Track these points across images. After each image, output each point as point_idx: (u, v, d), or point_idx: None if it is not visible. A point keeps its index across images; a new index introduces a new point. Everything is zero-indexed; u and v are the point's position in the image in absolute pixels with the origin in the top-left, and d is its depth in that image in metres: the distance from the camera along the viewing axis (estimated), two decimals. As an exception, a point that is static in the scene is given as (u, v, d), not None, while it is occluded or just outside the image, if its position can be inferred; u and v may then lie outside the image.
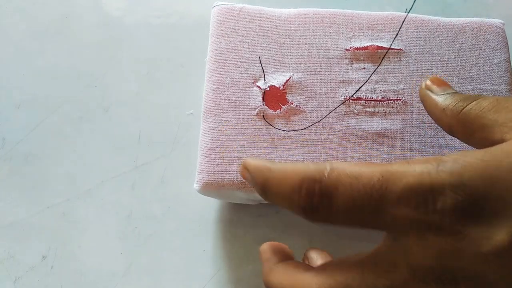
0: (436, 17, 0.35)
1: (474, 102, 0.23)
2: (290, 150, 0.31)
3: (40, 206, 0.36)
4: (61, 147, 0.38)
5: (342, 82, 0.33)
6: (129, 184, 0.36)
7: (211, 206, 0.36)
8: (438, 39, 0.34)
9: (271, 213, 0.35)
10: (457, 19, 0.35)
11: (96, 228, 0.35)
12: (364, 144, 0.32)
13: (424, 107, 0.28)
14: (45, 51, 0.41)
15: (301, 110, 0.32)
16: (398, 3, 0.42)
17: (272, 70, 0.33)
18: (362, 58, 0.34)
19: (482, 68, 0.34)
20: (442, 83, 0.27)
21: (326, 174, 0.18)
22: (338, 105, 0.32)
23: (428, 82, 0.28)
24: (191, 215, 0.36)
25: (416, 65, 0.33)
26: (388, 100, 0.33)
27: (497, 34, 0.35)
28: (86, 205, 0.36)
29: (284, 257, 0.23)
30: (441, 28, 0.34)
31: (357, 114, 0.32)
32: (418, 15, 0.35)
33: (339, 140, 0.32)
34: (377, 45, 0.34)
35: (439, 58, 0.34)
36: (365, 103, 0.32)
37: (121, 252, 0.35)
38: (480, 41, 0.34)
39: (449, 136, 0.32)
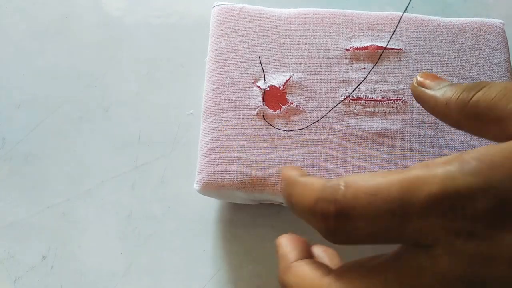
0: (436, 17, 0.35)
1: (480, 92, 0.21)
2: (290, 150, 0.31)
3: (40, 206, 0.36)
4: (61, 147, 0.38)
5: (342, 82, 0.33)
6: (129, 184, 0.36)
7: (211, 206, 0.36)
8: (438, 39, 0.34)
9: (271, 213, 0.35)
10: (457, 19, 0.35)
11: (96, 228, 0.35)
12: (364, 144, 0.32)
13: (422, 106, 0.26)
14: (45, 51, 0.41)
15: (301, 110, 0.32)
16: (398, 3, 0.42)
17: (272, 70, 0.33)
18: (362, 58, 0.34)
19: (482, 68, 0.34)
20: (435, 77, 0.26)
21: (340, 194, 0.17)
22: (336, 104, 0.32)
23: (420, 78, 0.26)
24: (191, 215, 0.36)
25: (416, 65, 0.33)
26: (388, 100, 0.33)
27: (497, 34, 0.35)
28: (86, 205, 0.36)
29: (303, 253, 0.21)
30: (441, 28, 0.34)
31: (357, 114, 0.32)
32: (418, 15, 0.35)
33: (339, 140, 0.32)
34: (377, 45, 0.34)
35: (439, 58, 0.34)
36: (365, 103, 0.32)
37: (121, 252, 0.35)
38: (480, 41, 0.34)
39: (449, 136, 0.32)
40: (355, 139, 0.32)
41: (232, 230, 0.35)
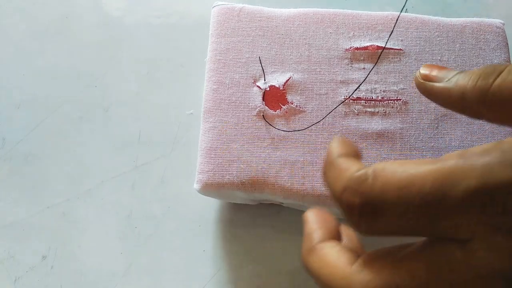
0: (436, 17, 0.35)
1: (500, 78, 0.19)
2: (290, 150, 0.31)
3: (40, 206, 0.36)
4: (61, 147, 0.38)
5: (342, 82, 0.33)
6: (129, 184, 0.36)
7: (211, 206, 0.36)
8: (438, 39, 0.34)
9: (271, 213, 0.35)
10: (457, 19, 0.35)
11: (96, 228, 0.35)
12: (364, 144, 0.32)
13: (434, 101, 0.24)
14: (45, 51, 0.41)
15: (301, 110, 0.32)
16: (398, 3, 0.42)
17: (272, 70, 0.33)
18: (362, 58, 0.34)
19: (482, 68, 0.34)
20: (440, 68, 0.23)
21: (367, 186, 0.16)
22: (338, 105, 0.32)
23: (424, 71, 0.24)
24: (191, 215, 0.35)
25: (416, 65, 0.33)
26: (388, 100, 0.33)
27: (497, 34, 0.35)
28: (86, 205, 0.36)
29: (331, 233, 0.20)
30: (441, 28, 0.34)
31: (357, 114, 0.32)
32: (418, 15, 0.35)
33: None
34: (377, 45, 0.34)
35: (439, 58, 0.34)
36: (365, 103, 0.32)
37: (121, 252, 0.35)
38: (480, 41, 0.34)
39: (449, 136, 0.32)
40: (355, 139, 0.32)
41: (232, 230, 0.35)
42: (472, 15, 0.37)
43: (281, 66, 0.33)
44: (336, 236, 0.20)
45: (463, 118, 0.32)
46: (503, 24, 0.35)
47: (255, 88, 0.33)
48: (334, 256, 0.18)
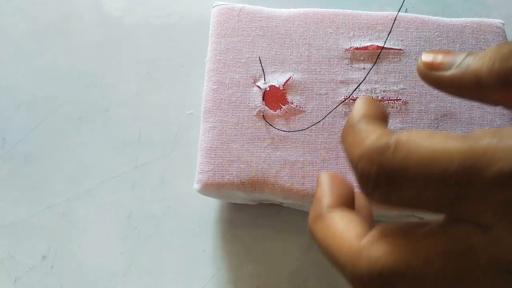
0: (436, 17, 0.35)
1: None
2: (290, 150, 0.31)
3: (40, 206, 0.36)
4: (61, 147, 0.38)
5: (342, 82, 0.33)
6: (129, 184, 0.36)
7: (211, 206, 0.36)
8: (438, 39, 0.34)
9: (271, 213, 0.35)
10: (457, 19, 0.35)
11: (96, 228, 0.35)
12: (364, 144, 0.32)
13: (442, 90, 0.21)
14: (45, 51, 0.41)
15: (301, 110, 0.32)
16: (398, 3, 0.42)
17: (272, 70, 0.33)
18: (362, 58, 0.34)
19: (482, 68, 0.34)
20: (446, 53, 0.20)
21: (388, 156, 0.15)
22: (338, 105, 0.32)
23: (426, 59, 0.20)
24: (191, 215, 0.35)
25: (416, 65, 0.33)
26: (388, 100, 0.33)
27: (497, 34, 0.35)
28: (86, 205, 0.36)
29: (342, 200, 0.18)
30: (441, 28, 0.34)
31: (357, 114, 0.32)
32: (418, 15, 0.35)
33: (339, 140, 0.32)
34: (377, 45, 0.34)
35: (439, 58, 0.34)
36: (365, 103, 0.32)
37: (121, 252, 0.35)
38: (480, 41, 0.34)
39: (449, 136, 0.32)
40: (355, 139, 0.32)
41: (232, 230, 0.35)
42: (472, 15, 0.37)
43: (281, 66, 0.33)
44: (348, 203, 0.18)
45: (463, 118, 0.32)
46: (503, 24, 0.35)
47: (255, 88, 0.33)
48: (343, 226, 0.17)
